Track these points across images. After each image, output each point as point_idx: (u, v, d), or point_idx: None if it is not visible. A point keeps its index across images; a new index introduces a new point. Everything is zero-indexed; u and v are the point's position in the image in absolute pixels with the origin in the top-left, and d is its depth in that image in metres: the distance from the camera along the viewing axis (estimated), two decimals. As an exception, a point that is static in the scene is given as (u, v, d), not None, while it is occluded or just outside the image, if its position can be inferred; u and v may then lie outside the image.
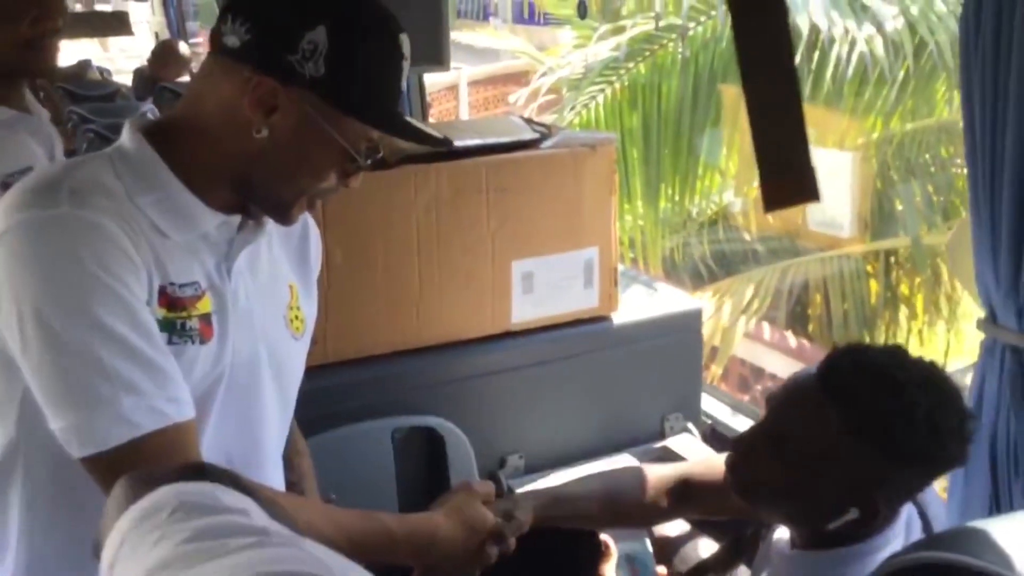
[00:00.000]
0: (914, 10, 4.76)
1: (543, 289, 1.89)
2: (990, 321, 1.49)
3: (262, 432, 1.19)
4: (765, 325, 5.72)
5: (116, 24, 6.58)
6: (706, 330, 5.01)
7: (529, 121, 2.15)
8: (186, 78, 5.61)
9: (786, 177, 0.57)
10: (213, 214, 1.07)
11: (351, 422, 1.76)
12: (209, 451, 1.09)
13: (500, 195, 1.82)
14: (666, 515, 1.56)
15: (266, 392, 1.17)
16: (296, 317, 1.21)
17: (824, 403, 1.11)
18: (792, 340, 5.57)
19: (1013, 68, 1.34)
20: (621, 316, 1.99)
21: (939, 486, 1.46)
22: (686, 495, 1.48)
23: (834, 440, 1.10)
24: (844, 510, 1.11)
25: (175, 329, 1.03)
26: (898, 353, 1.16)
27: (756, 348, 5.66)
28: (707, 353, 5.18)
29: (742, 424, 2.16)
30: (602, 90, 5.62)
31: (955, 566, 1.02)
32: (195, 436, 1.04)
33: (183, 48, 5.85)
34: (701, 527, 1.75)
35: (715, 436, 2.14)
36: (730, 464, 1.22)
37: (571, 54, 6.53)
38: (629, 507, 1.49)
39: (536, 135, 1.98)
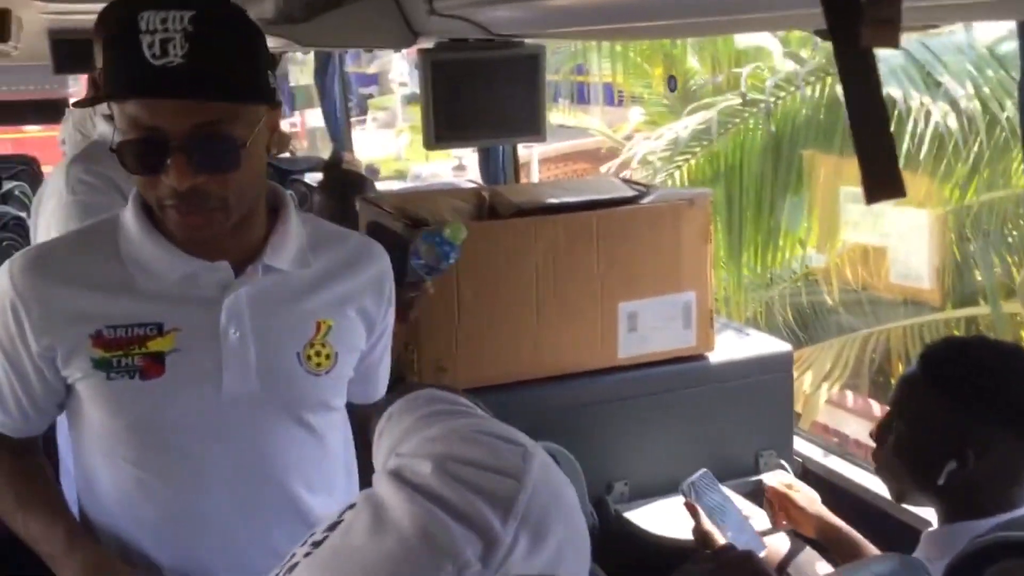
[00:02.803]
0: (987, 89, 4.93)
1: (646, 328, 2.08)
2: (1063, 348, 1.63)
3: (269, 456, 1.27)
4: (848, 393, 5.78)
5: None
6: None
7: (626, 181, 2.38)
8: (286, 154, 6.02)
9: (881, 178, 0.76)
10: (185, 261, 1.20)
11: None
12: (214, 470, 1.24)
13: (608, 243, 2.03)
14: None
15: (271, 422, 1.26)
16: (318, 353, 1.27)
17: (923, 376, 1.40)
18: (876, 407, 5.61)
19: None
20: (717, 355, 2.16)
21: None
22: None
23: (931, 403, 1.38)
24: (945, 461, 1.36)
25: (111, 366, 1.20)
26: (984, 337, 1.44)
27: (838, 414, 5.71)
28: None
29: (835, 464, 2.29)
30: (679, 166, 5.89)
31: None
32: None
33: (282, 126, 6.24)
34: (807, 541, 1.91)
35: (808, 474, 2.27)
36: (874, 453, 1.51)
37: (663, 128, 6.85)
38: None
39: (635, 192, 2.20)
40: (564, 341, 2.02)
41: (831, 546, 1.82)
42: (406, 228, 1.92)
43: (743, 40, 6.67)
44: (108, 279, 1.21)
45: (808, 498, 1.90)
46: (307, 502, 1.31)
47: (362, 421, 1.40)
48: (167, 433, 1.23)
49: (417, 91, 3.39)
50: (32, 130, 10.39)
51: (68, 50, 4.04)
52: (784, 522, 1.90)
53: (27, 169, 5.87)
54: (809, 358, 5.49)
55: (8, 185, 4.68)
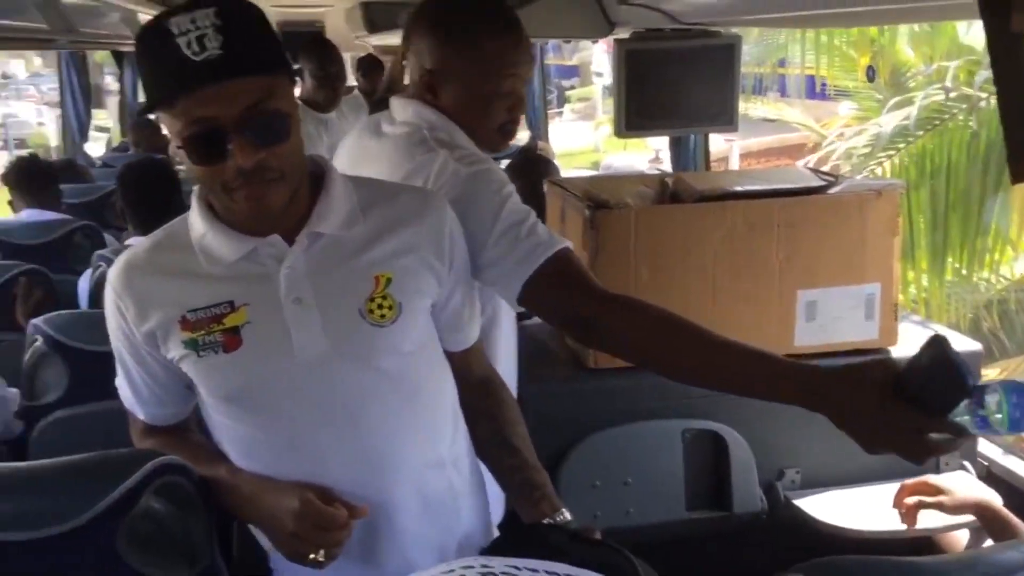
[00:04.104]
0: None
1: (825, 318, 2.08)
2: None
3: (356, 408, 1.35)
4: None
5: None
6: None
7: (815, 171, 2.37)
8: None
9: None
10: (242, 242, 1.31)
11: (648, 419, 2.03)
12: (311, 427, 1.34)
13: (789, 231, 2.04)
14: None
15: (348, 376, 1.34)
16: (380, 306, 1.33)
17: None
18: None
19: None
20: (900, 350, 2.12)
21: None
22: None
23: None
24: None
25: (198, 345, 1.32)
26: None
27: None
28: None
29: (1021, 468, 2.20)
30: (881, 162, 5.64)
31: None
32: (138, 430, 1.49)
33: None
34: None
35: (991, 476, 2.19)
36: None
37: (863, 125, 6.57)
38: None
39: (823, 182, 2.20)
40: (739, 326, 2.03)
41: (987, 526, 1.77)
42: (589, 209, 2.01)
43: (965, 31, 6.31)
44: (184, 268, 1.33)
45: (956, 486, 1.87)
46: (408, 446, 1.38)
47: (457, 367, 1.50)
48: (259, 398, 1.34)
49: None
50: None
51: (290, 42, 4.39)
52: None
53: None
54: (1018, 369, 5.16)
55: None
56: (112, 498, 1.36)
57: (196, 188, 1.37)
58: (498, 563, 0.64)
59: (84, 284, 3.01)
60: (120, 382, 1.47)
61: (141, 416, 1.47)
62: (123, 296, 1.36)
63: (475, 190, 1.53)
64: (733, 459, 2.06)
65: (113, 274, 1.38)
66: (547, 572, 0.62)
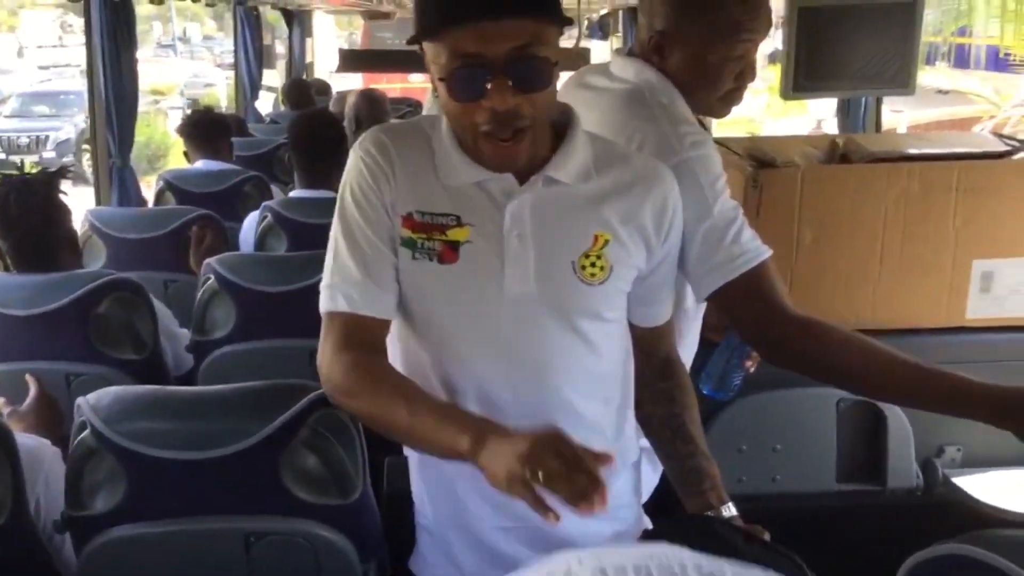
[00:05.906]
0: None
1: (1002, 290, 1.95)
2: None
3: (544, 358, 1.33)
4: None
5: (577, 59, 7.36)
6: None
7: (999, 136, 2.22)
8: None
9: None
10: (476, 171, 1.29)
11: (800, 386, 1.96)
12: (495, 362, 1.32)
13: (968, 196, 1.92)
14: None
15: (546, 325, 1.32)
16: (593, 264, 1.32)
17: None
18: None
19: None
20: (1083, 329, 1.98)
21: None
22: None
23: None
24: None
25: (415, 247, 1.30)
26: None
27: None
28: None
29: None
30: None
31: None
32: (373, 330, 1.32)
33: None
34: None
35: None
36: None
37: None
38: None
39: (1007, 148, 2.06)
40: (907, 294, 1.95)
41: None
42: (752, 167, 1.95)
43: None
44: (421, 167, 1.32)
45: None
46: (580, 408, 1.36)
47: (642, 343, 1.45)
48: (458, 318, 1.32)
49: (778, 49, 3.33)
50: (416, 80, 11.44)
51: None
52: None
53: (412, 111, 6.57)
54: None
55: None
56: (274, 426, 1.43)
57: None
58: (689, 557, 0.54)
59: (249, 225, 3.13)
60: (336, 265, 1.34)
61: (357, 307, 1.32)
62: (378, 158, 1.33)
63: (691, 176, 1.46)
64: (891, 432, 1.97)
65: (371, 139, 1.36)
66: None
